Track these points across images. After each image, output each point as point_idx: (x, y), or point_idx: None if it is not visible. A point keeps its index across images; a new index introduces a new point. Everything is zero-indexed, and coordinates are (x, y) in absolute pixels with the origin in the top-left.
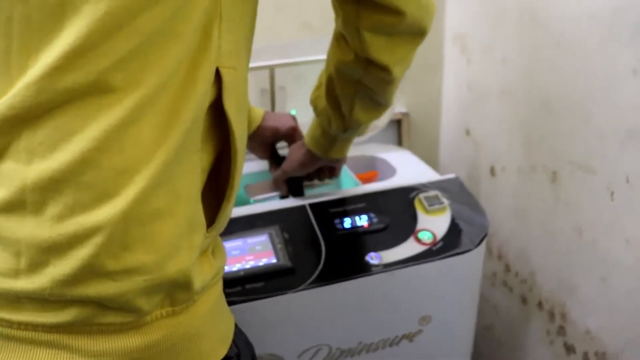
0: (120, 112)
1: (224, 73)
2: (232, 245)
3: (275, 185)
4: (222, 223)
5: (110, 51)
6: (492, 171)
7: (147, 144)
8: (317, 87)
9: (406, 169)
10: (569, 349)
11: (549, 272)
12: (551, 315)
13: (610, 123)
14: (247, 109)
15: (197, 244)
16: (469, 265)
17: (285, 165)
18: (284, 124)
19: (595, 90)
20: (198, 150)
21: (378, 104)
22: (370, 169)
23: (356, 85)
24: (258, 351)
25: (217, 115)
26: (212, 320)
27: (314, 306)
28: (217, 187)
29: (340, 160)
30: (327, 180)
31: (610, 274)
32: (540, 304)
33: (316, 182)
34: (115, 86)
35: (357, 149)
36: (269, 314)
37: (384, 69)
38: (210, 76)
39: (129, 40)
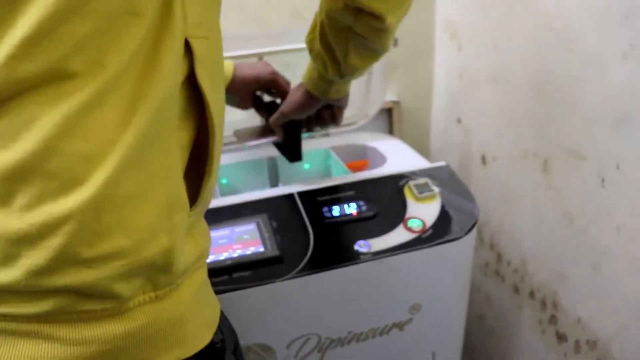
0: (81, 97)
1: (195, 44)
2: (219, 234)
3: (268, 131)
4: (205, 200)
5: (66, 36)
6: (483, 160)
7: (111, 127)
8: (312, 29)
9: (396, 157)
10: (561, 337)
11: (540, 260)
12: (543, 304)
13: (600, 108)
14: (223, 80)
15: (179, 224)
16: (459, 253)
17: (283, 108)
18: (263, 71)
19: (585, 75)
20: (175, 128)
21: (373, 50)
22: (361, 157)
23: (347, 32)
24: (247, 341)
25: (194, 91)
26: (197, 306)
27: (302, 295)
28: (197, 162)
29: (341, 101)
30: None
31: (601, 261)
32: (532, 293)
33: (317, 128)
34: (74, 71)
35: (347, 137)
36: (257, 303)
37: (377, 17)
38: (179, 49)
39: (84, 23)
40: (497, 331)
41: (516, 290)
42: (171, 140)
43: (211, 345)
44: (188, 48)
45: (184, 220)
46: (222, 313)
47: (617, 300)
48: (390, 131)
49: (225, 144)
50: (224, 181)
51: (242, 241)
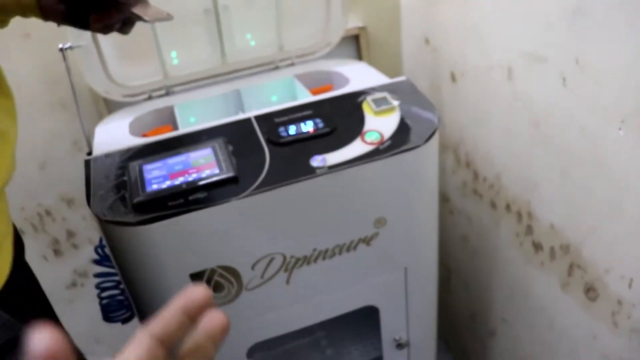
0: None
1: None
2: (175, 161)
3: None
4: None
5: None
6: (453, 77)
7: None
8: None
9: (360, 78)
10: (537, 246)
11: (512, 172)
12: (519, 216)
13: (556, 3)
14: None
15: None
16: (419, 163)
17: None
18: None
19: None
20: None
21: None
22: (325, 83)
23: None
24: (210, 264)
25: None
26: None
27: (260, 213)
28: None
29: None
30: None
31: (568, 165)
32: (508, 207)
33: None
34: None
35: (312, 65)
36: (216, 224)
37: None
38: None
39: None
40: (480, 250)
41: (493, 205)
42: None
43: None
44: None
45: None
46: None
47: (586, 203)
48: (360, 58)
49: (188, 82)
50: (192, 120)
51: (197, 165)
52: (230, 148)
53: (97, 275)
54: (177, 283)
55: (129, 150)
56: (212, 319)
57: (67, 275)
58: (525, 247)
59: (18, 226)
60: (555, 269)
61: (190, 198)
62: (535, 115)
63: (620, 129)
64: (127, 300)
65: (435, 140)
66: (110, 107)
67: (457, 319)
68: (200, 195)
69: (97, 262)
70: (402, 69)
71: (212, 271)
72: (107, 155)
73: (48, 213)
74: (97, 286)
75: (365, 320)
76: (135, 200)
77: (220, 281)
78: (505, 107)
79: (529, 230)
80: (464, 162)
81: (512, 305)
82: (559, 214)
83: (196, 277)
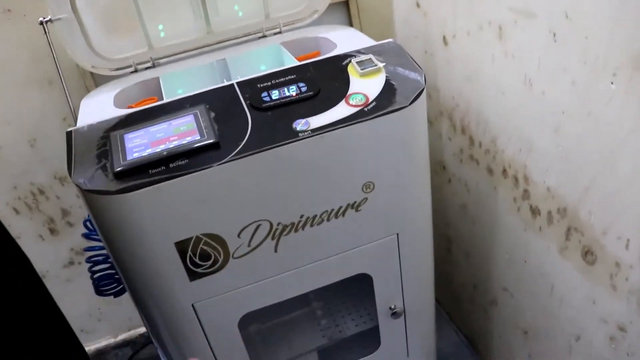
0: None
1: None
2: (156, 129)
3: None
4: None
5: None
6: (444, 40)
7: None
8: None
9: (347, 42)
10: (534, 211)
11: (507, 134)
12: (515, 181)
13: None
14: None
15: None
16: (406, 125)
17: None
18: None
19: None
20: None
21: None
22: (313, 50)
23: None
24: (195, 232)
25: None
26: None
27: (244, 179)
28: None
29: None
30: None
31: (561, 122)
32: (504, 172)
33: None
34: None
35: (300, 32)
36: (199, 191)
37: None
38: None
39: None
40: (479, 218)
41: (490, 171)
42: None
43: None
44: None
45: None
46: None
47: (580, 161)
48: (350, 25)
49: (175, 54)
50: (179, 91)
51: (179, 133)
52: (212, 114)
53: (87, 249)
54: (163, 252)
55: (111, 121)
56: None
57: (64, 254)
58: (522, 213)
59: (12, 206)
60: (553, 233)
61: (172, 165)
62: (527, 73)
63: (612, 83)
64: (117, 274)
65: (422, 102)
66: (97, 81)
67: (458, 290)
68: (182, 162)
69: (86, 235)
70: (394, 36)
71: (198, 239)
72: (90, 127)
73: (41, 192)
74: (88, 260)
75: (360, 290)
76: (116, 169)
77: (206, 249)
78: (498, 67)
79: (526, 194)
80: (460, 128)
81: (512, 273)
82: (555, 176)
83: (181, 245)
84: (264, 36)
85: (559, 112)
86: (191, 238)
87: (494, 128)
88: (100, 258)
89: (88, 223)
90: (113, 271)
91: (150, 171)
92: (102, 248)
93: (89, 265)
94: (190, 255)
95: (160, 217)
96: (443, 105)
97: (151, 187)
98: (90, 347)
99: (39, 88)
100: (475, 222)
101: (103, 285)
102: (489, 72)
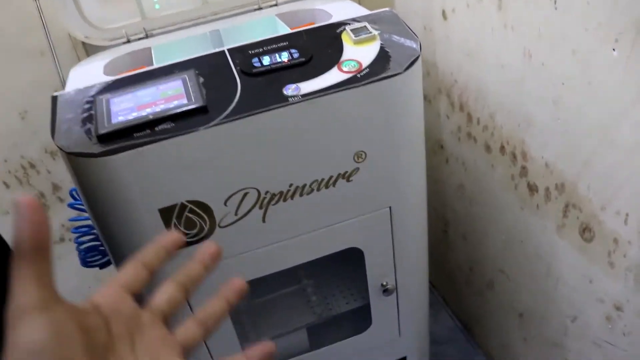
0: None
1: None
2: (143, 93)
3: None
4: None
5: None
6: (444, 14)
7: None
8: None
9: (343, 13)
10: (532, 188)
11: (506, 108)
12: (513, 157)
13: None
14: None
15: None
16: (400, 92)
17: None
18: None
19: None
20: None
21: None
22: (308, 21)
23: None
24: (180, 198)
25: None
26: None
27: (231, 145)
28: None
29: None
30: None
31: (561, 93)
32: (502, 148)
33: None
34: None
35: (297, 4)
36: (185, 156)
37: None
38: None
39: None
40: (476, 198)
41: (488, 148)
42: None
43: None
44: None
45: None
46: None
47: (579, 133)
48: None
49: (169, 25)
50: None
51: (166, 97)
52: (201, 80)
53: (73, 219)
54: (147, 219)
55: (98, 86)
56: (203, 247)
57: (55, 230)
58: (520, 190)
59: (2, 179)
60: (550, 211)
61: (157, 128)
62: (527, 43)
63: (614, 50)
64: (103, 245)
65: (417, 69)
66: (89, 52)
67: (454, 273)
68: (167, 125)
69: (71, 205)
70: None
71: (183, 206)
72: (76, 92)
73: (32, 166)
74: (74, 230)
75: (351, 266)
76: (100, 132)
77: (192, 217)
78: (497, 40)
79: (524, 171)
80: (458, 105)
81: (509, 254)
82: (554, 150)
83: (166, 212)
84: (260, 8)
85: (558, 83)
86: (176, 205)
87: (492, 103)
88: (86, 229)
89: (74, 192)
90: (98, 242)
91: (134, 134)
92: (88, 218)
93: (75, 235)
94: (175, 223)
95: (145, 182)
96: (442, 82)
97: (135, 150)
98: None
99: (30, 59)
100: (472, 202)
101: (89, 257)
102: (489, 45)
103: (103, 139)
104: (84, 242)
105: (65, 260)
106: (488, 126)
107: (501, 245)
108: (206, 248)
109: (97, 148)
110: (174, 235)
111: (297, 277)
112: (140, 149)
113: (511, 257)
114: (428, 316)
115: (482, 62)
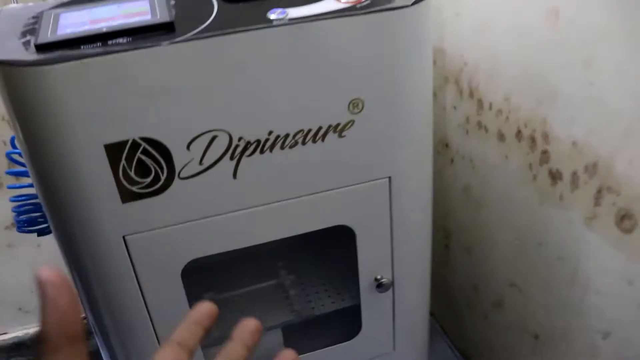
0: None
1: None
2: (101, 10)
3: None
4: None
5: None
6: None
7: None
8: None
9: None
10: (555, 176)
11: (525, 85)
12: (532, 142)
13: None
14: None
15: None
16: (406, 30)
17: None
18: None
19: None
20: None
21: None
22: None
23: None
24: (131, 134)
25: None
26: None
27: (199, 72)
28: None
29: None
30: None
31: (594, 54)
32: (519, 134)
33: None
34: None
35: None
36: (140, 79)
37: None
38: None
39: None
40: (484, 200)
41: (501, 137)
42: None
43: None
44: None
45: None
46: None
47: (617, 97)
48: None
49: None
50: None
51: (127, 13)
52: (172, 2)
53: (9, 172)
54: (90, 158)
55: (51, 3)
56: (242, 325)
57: (6, 214)
58: (539, 182)
59: None
60: (578, 200)
61: (110, 42)
62: (552, 2)
63: None
64: (42, 209)
65: (427, 6)
66: None
67: (455, 296)
68: (123, 39)
69: (8, 154)
70: None
71: (135, 144)
72: (23, 7)
73: None
74: (10, 187)
75: (339, 253)
76: (40, 41)
77: (146, 161)
78: (515, 5)
79: (545, 157)
80: (467, 91)
81: (522, 262)
82: (584, 124)
83: (113, 150)
84: None
85: (592, 40)
86: (127, 141)
87: (508, 81)
88: (24, 184)
89: (16, 141)
90: (39, 204)
91: (81, 46)
92: (25, 173)
93: (12, 198)
94: (124, 165)
95: (89, 107)
96: (449, 69)
97: (79, 61)
98: (27, 330)
99: None
100: (480, 205)
101: (25, 220)
102: (506, 12)
103: (42, 47)
104: (20, 201)
105: (18, 249)
106: (502, 110)
107: (513, 253)
108: (245, 326)
109: (33, 57)
110: (206, 307)
111: (273, 265)
112: (85, 60)
113: (525, 266)
114: (428, 330)
115: (497, 32)
